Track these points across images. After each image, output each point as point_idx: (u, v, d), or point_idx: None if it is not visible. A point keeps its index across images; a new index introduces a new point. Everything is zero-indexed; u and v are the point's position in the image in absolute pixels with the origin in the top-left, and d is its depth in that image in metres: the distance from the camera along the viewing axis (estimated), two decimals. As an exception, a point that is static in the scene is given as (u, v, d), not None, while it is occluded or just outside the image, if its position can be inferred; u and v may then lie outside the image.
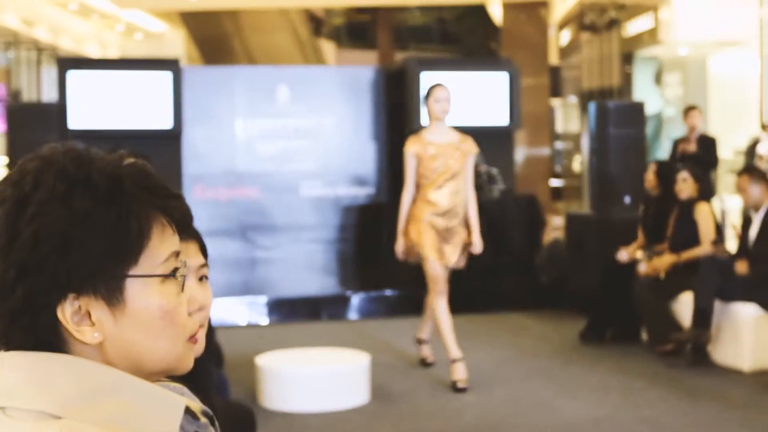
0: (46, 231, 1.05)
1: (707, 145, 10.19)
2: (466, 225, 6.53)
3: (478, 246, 6.48)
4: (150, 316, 1.10)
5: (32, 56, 20.09)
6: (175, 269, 1.13)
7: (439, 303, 6.46)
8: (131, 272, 1.08)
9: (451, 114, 6.65)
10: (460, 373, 6.35)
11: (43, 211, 1.05)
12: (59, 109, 8.31)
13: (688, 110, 10.51)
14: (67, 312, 1.06)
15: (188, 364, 1.17)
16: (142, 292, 1.09)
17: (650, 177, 7.77)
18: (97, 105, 10.29)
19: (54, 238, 1.05)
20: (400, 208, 6.59)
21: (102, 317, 1.08)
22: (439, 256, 6.43)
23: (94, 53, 23.06)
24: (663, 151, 17.16)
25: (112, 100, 10.37)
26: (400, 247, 6.58)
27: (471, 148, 6.61)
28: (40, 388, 1.04)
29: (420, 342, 7.03)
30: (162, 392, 1.11)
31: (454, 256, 6.47)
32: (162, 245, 1.11)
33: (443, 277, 6.47)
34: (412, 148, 6.61)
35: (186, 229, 1.14)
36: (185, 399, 1.21)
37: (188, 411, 1.22)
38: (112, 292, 1.08)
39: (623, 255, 7.68)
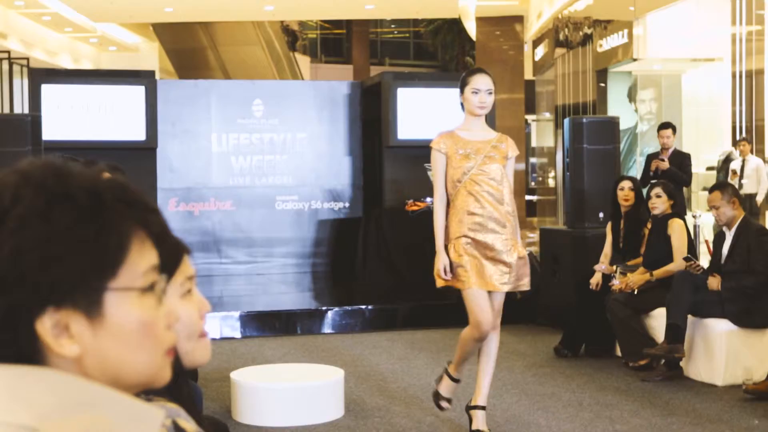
0: (26, 246, 1.05)
1: (681, 160, 10.24)
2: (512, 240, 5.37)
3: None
4: (128, 329, 1.10)
5: (4, 67, 20.00)
6: (154, 282, 1.13)
7: (474, 339, 5.36)
8: (111, 285, 1.08)
9: (489, 111, 5.50)
10: (445, 388, 6.25)
11: (22, 226, 1.05)
12: (32, 120, 8.26)
13: (661, 128, 10.52)
14: (46, 325, 1.06)
15: (165, 377, 1.17)
16: (121, 305, 1.09)
17: (628, 193, 7.75)
18: (71, 117, 10.25)
19: (34, 253, 1.05)
20: (435, 220, 5.33)
21: (81, 330, 1.08)
22: (482, 281, 5.26)
23: (68, 65, 22.97)
24: (637, 167, 17.26)
25: (86, 112, 10.34)
26: (442, 265, 5.26)
27: (511, 149, 5.45)
28: (18, 401, 1.04)
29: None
30: (140, 406, 1.11)
31: (503, 278, 5.30)
32: (141, 259, 1.11)
33: (489, 310, 5.26)
34: (441, 144, 5.38)
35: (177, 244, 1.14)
36: (182, 421, 1.20)
37: None
38: (91, 305, 1.07)
39: (602, 267, 7.68)
